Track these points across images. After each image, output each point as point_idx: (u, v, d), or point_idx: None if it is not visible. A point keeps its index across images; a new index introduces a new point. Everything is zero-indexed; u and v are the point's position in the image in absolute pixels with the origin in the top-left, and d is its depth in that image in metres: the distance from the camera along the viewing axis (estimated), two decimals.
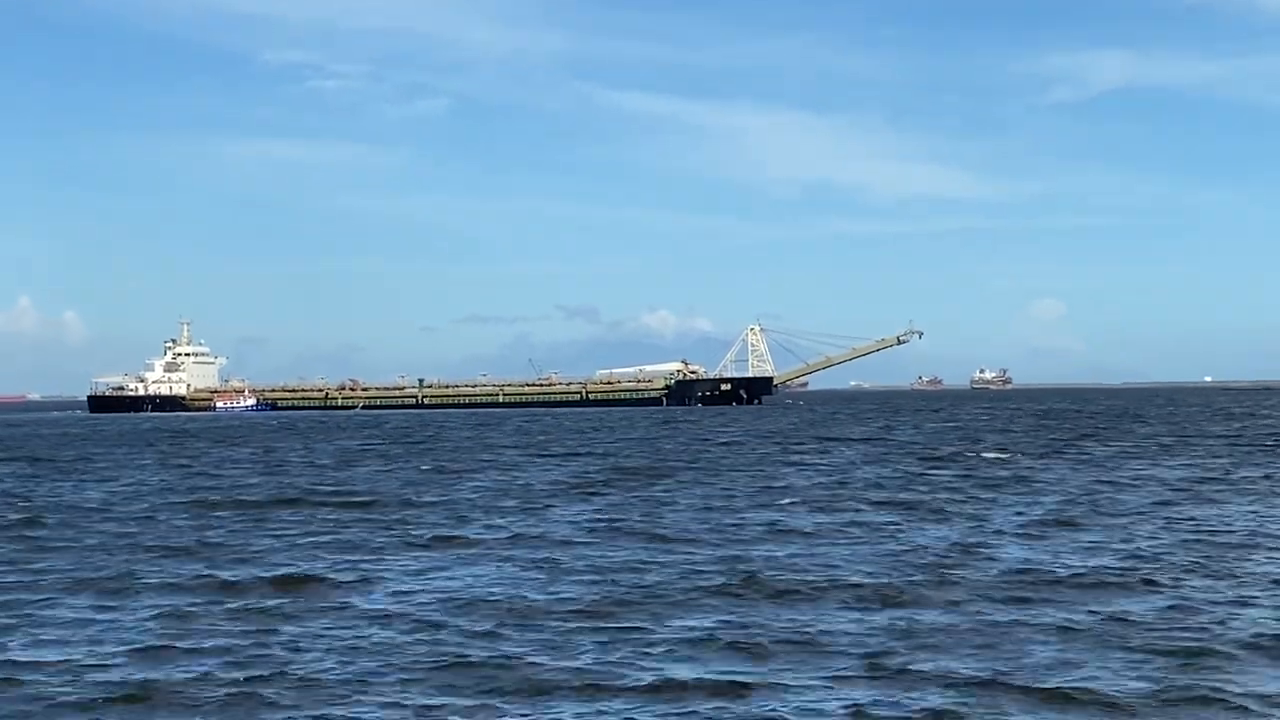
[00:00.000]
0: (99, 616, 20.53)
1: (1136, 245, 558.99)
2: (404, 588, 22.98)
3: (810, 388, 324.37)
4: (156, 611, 20.76)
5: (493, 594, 22.09)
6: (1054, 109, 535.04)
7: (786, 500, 37.55)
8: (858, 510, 34.80)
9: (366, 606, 21.07)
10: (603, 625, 19.22)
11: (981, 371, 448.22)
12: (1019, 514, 33.43)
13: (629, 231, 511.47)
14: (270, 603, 21.56)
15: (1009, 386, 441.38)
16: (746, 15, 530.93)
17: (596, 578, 23.41)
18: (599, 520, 33.01)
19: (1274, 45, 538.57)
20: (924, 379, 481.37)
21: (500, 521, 32.86)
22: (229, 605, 21.41)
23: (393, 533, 31.06)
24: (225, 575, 24.45)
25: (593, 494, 40.88)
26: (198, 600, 21.89)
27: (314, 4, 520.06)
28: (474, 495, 40.81)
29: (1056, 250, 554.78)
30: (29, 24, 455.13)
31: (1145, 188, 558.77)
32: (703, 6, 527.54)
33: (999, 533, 29.59)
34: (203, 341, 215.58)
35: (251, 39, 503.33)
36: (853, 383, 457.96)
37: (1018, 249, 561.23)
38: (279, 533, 31.30)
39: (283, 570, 25.01)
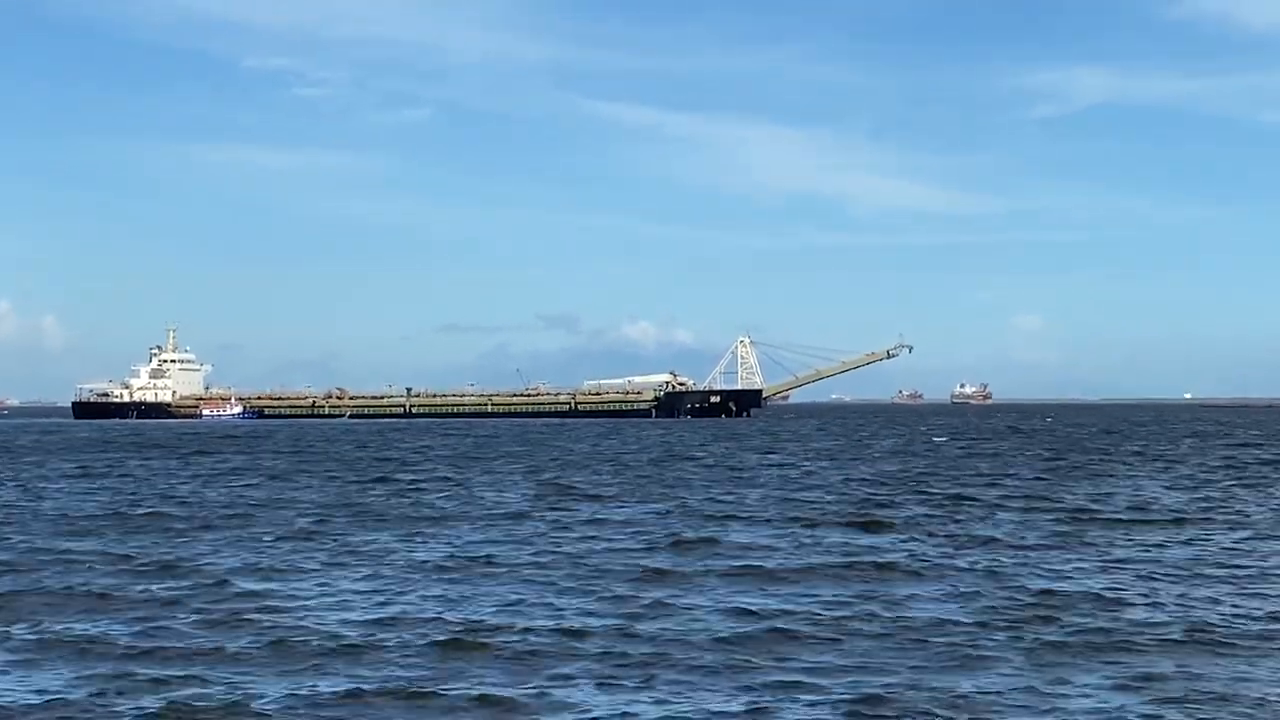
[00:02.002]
0: None
1: (1118, 260, 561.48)
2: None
3: (791, 400, 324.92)
4: None
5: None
6: (1037, 124, 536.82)
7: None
8: None
9: None
10: None
11: (962, 386, 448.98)
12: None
13: (610, 241, 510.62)
14: None
15: (989, 401, 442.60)
16: (730, 27, 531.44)
17: None
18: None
19: (1256, 62, 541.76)
20: (905, 393, 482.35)
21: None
22: None
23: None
24: None
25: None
26: None
27: (297, 11, 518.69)
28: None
29: (1037, 264, 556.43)
30: (10, 27, 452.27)
31: (1127, 203, 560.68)
32: (686, 18, 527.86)
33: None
34: (188, 348, 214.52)
35: (234, 45, 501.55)
36: (834, 395, 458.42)
37: (999, 263, 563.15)
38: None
39: None
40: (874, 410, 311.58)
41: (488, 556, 28.23)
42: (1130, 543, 30.66)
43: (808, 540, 31.07)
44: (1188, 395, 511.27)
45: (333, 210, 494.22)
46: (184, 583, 24.88)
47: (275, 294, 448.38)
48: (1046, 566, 26.74)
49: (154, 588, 24.24)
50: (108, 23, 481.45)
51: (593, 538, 31.82)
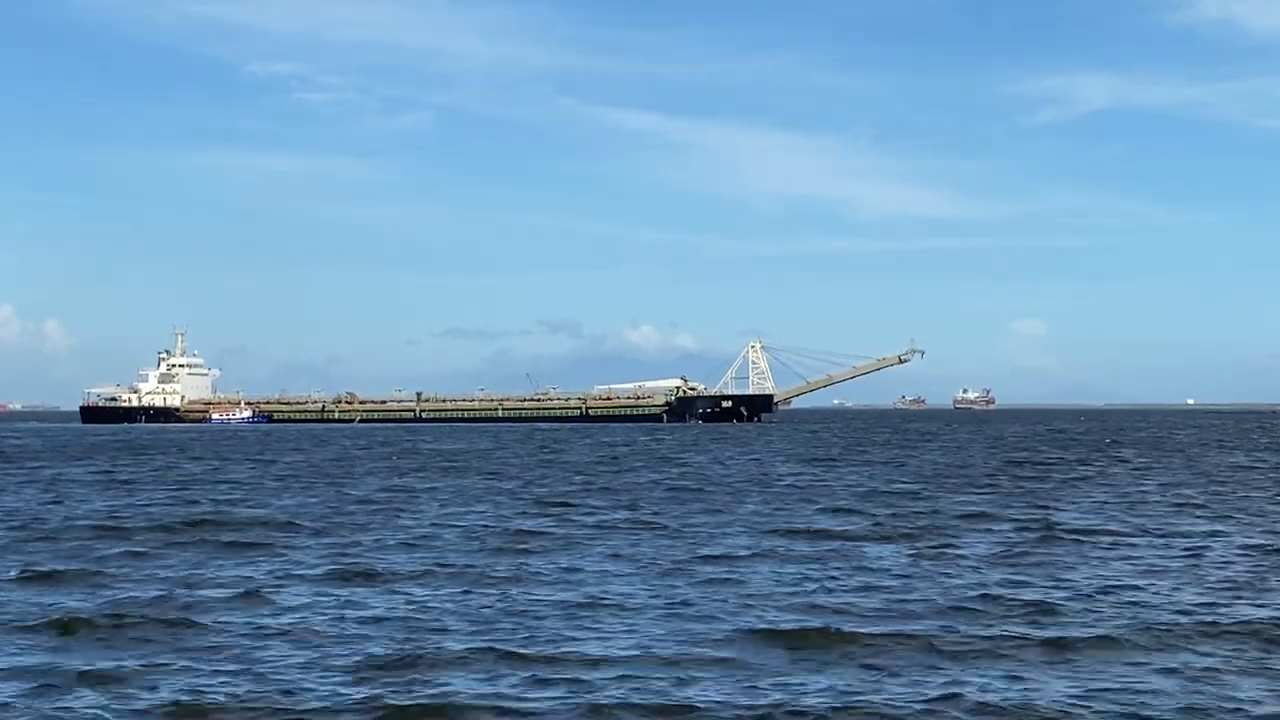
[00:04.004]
0: None
1: (1121, 265, 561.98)
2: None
3: (793, 405, 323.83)
4: None
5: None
6: (1040, 130, 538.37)
7: None
8: None
9: None
10: None
11: (965, 391, 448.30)
12: None
13: (612, 247, 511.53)
14: None
15: (992, 407, 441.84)
16: (733, 33, 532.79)
17: None
18: None
19: (1257, 69, 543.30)
20: (907, 398, 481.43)
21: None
22: None
23: None
24: None
25: None
26: None
27: (300, 16, 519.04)
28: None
29: (1040, 270, 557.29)
30: (15, 32, 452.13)
31: (1130, 208, 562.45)
32: (689, 24, 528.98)
33: None
34: (197, 353, 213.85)
35: (238, 50, 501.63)
36: (836, 401, 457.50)
37: (1002, 268, 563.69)
38: None
39: None
40: (879, 416, 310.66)
41: None
42: None
43: None
44: (1190, 401, 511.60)
45: (335, 215, 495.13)
46: None
47: (277, 299, 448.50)
48: None
49: None
50: (112, 28, 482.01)
51: None
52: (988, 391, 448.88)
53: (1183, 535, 32.62)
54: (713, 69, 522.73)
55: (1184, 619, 20.76)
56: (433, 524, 35.71)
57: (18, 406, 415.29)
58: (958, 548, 29.92)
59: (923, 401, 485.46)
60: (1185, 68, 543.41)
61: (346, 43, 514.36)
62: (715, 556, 28.28)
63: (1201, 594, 23.45)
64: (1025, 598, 22.62)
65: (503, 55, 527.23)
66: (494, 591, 23.62)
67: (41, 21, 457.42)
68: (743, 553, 28.93)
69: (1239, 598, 22.99)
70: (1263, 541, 31.14)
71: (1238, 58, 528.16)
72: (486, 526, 34.92)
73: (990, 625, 20.19)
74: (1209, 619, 20.76)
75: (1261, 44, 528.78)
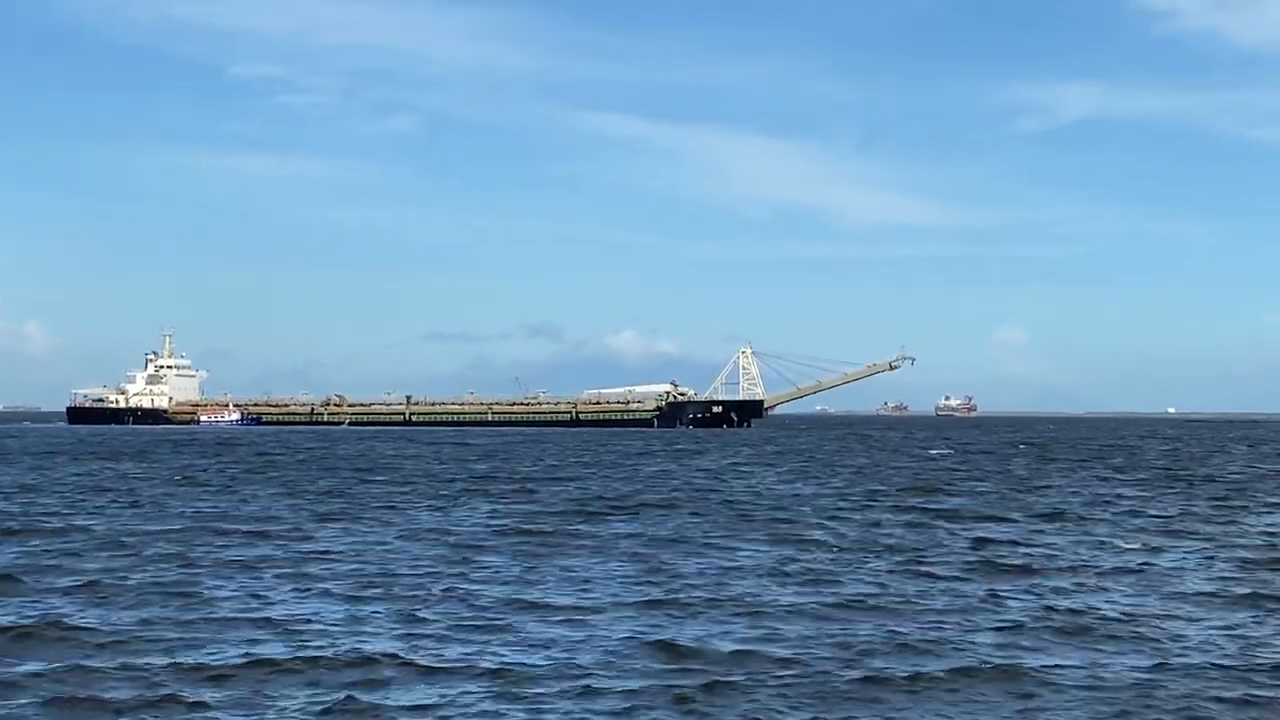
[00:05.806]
0: None
1: (1102, 275, 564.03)
2: None
3: (777, 411, 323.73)
4: None
5: None
6: (1023, 138, 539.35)
7: None
8: None
9: None
10: None
11: (947, 398, 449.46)
12: None
13: (595, 251, 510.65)
14: None
15: (973, 414, 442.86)
16: (718, 38, 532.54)
17: None
18: None
19: (1242, 78, 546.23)
20: (890, 405, 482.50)
21: None
22: None
23: None
24: None
25: None
26: None
27: (285, 18, 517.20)
28: None
29: (1022, 278, 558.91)
30: None
31: (1112, 218, 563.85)
32: (674, 29, 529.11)
33: None
34: (184, 354, 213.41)
35: (221, 52, 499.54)
36: (819, 407, 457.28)
37: (984, 276, 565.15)
38: None
39: None
40: (864, 422, 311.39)
41: None
42: None
43: None
44: (1171, 410, 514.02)
45: (319, 218, 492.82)
46: None
47: (261, 301, 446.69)
48: None
49: None
50: (95, 28, 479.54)
51: None
52: (969, 399, 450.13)
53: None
54: (698, 74, 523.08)
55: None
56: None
57: None
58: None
59: (905, 408, 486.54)
60: (1169, 77, 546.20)
61: (331, 46, 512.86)
62: None
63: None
64: None
65: (488, 59, 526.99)
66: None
67: (25, 22, 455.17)
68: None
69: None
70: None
71: (1222, 68, 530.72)
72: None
73: None
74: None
75: (1246, 55, 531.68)
